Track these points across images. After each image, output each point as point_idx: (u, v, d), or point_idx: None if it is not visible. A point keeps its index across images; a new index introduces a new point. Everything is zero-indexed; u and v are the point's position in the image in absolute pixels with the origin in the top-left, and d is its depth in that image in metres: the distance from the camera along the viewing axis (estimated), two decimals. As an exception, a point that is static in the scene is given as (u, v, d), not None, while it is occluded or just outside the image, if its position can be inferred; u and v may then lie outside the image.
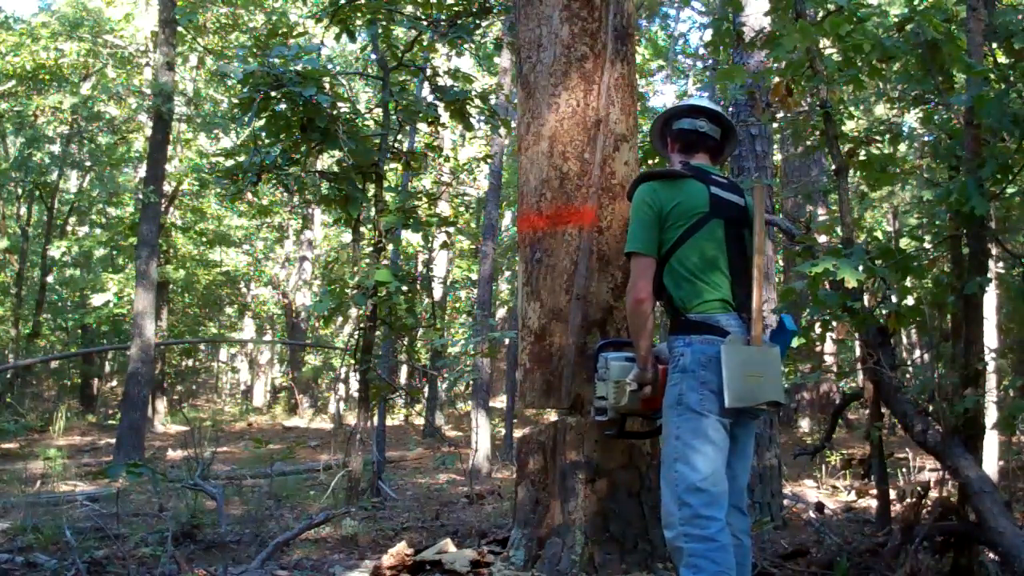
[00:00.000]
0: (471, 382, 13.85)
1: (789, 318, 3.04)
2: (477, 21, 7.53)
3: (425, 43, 7.81)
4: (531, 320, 3.78)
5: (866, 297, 4.10)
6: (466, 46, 8.87)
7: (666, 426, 2.85)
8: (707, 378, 2.75)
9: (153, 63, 14.12)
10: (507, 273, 22.65)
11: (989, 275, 4.29)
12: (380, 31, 7.36)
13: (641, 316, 2.88)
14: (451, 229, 13.97)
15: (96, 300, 16.80)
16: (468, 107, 7.40)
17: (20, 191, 18.64)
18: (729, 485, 2.81)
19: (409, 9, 7.70)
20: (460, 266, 22.12)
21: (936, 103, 4.66)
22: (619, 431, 3.27)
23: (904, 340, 16.17)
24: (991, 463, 7.34)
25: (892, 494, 5.05)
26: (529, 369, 3.76)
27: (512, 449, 11.38)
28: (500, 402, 17.78)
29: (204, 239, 19.40)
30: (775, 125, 6.49)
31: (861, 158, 4.68)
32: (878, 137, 4.94)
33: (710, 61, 13.79)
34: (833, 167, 4.43)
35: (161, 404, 17.34)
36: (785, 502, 7.05)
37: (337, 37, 7.45)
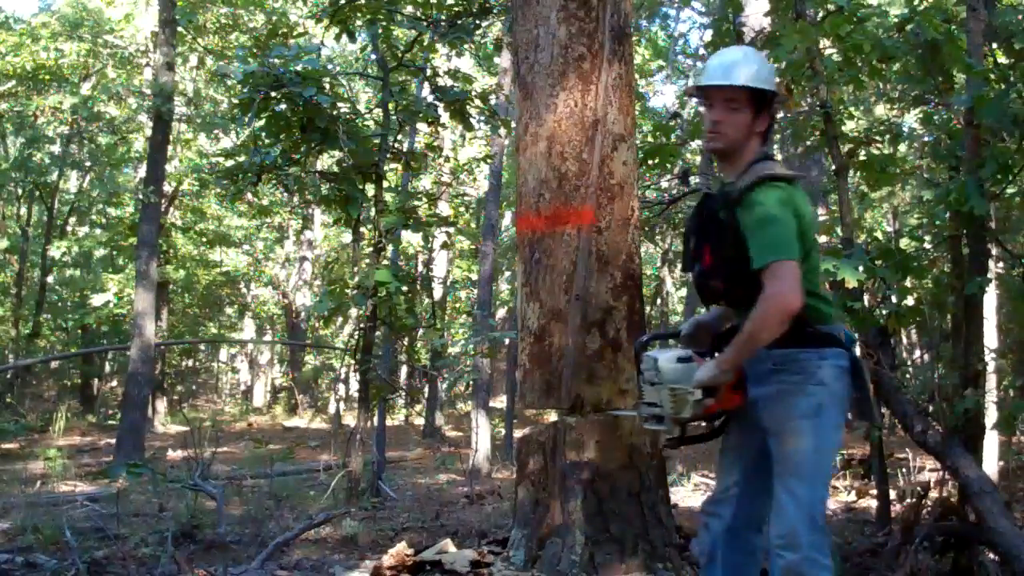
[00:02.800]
0: (471, 382, 13.85)
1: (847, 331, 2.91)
2: (477, 21, 7.53)
3: (425, 43, 7.81)
4: (530, 320, 3.77)
5: (866, 297, 4.10)
6: (466, 46, 8.87)
7: (797, 436, 2.56)
8: (842, 392, 2.59)
9: (153, 63, 14.12)
10: (507, 273, 22.65)
11: (989, 275, 4.29)
12: (380, 31, 7.36)
13: (783, 327, 2.50)
14: (451, 229, 13.98)
15: (96, 300, 16.80)
16: (468, 107, 7.40)
17: (20, 191, 18.65)
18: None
19: (409, 9, 7.69)
20: (460, 266, 22.11)
21: (936, 103, 4.66)
22: (680, 439, 2.85)
23: (904, 340, 16.17)
24: (991, 463, 7.33)
25: (892, 494, 5.05)
26: (529, 370, 3.76)
27: (512, 449, 11.38)
28: (500, 402, 17.78)
29: (204, 239, 19.40)
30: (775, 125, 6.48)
31: (861, 158, 4.68)
32: (878, 137, 4.95)
33: (710, 61, 13.77)
34: (833, 167, 4.43)
35: (161, 404, 17.33)
36: (785, 502, 7.03)
37: (337, 37, 7.46)
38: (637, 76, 18.12)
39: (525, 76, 3.93)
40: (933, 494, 4.25)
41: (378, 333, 7.32)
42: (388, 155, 7.33)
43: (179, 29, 12.74)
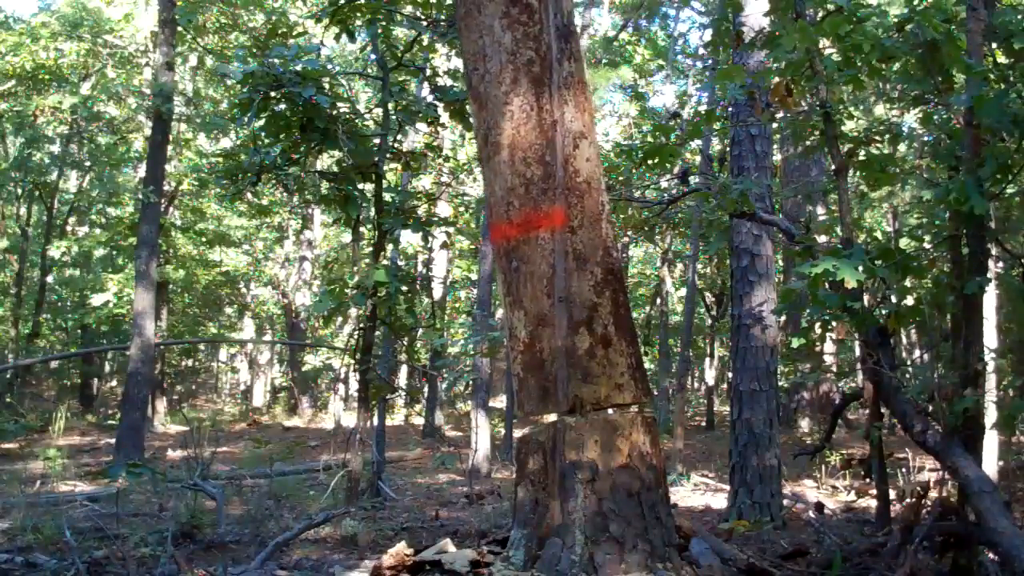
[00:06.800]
0: (471, 382, 13.85)
1: None
2: (477, 21, 7.51)
3: (425, 43, 7.80)
4: (518, 329, 3.77)
5: (866, 297, 4.10)
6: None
7: None
8: None
9: (153, 63, 14.12)
10: (507, 273, 22.61)
11: (989, 275, 4.29)
12: (380, 31, 7.36)
13: None
14: (451, 229, 13.98)
15: (96, 300, 16.81)
16: (468, 107, 7.39)
17: (20, 191, 18.65)
18: None
19: (409, 9, 7.69)
20: (460, 266, 22.12)
21: (936, 103, 4.66)
22: None
23: (904, 340, 16.18)
24: (991, 463, 7.34)
25: (892, 494, 5.05)
26: (523, 378, 3.76)
27: (512, 449, 11.38)
28: (500, 402, 17.78)
29: (204, 239, 19.41)
30: (775, 125, 6.49)
31: (861, 158, 4.68)
32: (878, 137, 4.94)
33: (710, 61, 13.79)
34: (833, 167, 4.43)
35: (161, 404, 17.34)
36: (785, 502, 7.06)
37: (337, 37, 7.45)
38: (637, 76, 18.14)
39: (477, 87, 3.92)
40: (933, 494, 4.25)
41: (378, 333, 7.31)
42: (388, 155, 7.33)
43: (179, 29, 12.73)
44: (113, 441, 11.59)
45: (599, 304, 3.69)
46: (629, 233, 17.08)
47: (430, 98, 7.75)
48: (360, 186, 7.02)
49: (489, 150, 3.88)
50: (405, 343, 11.52)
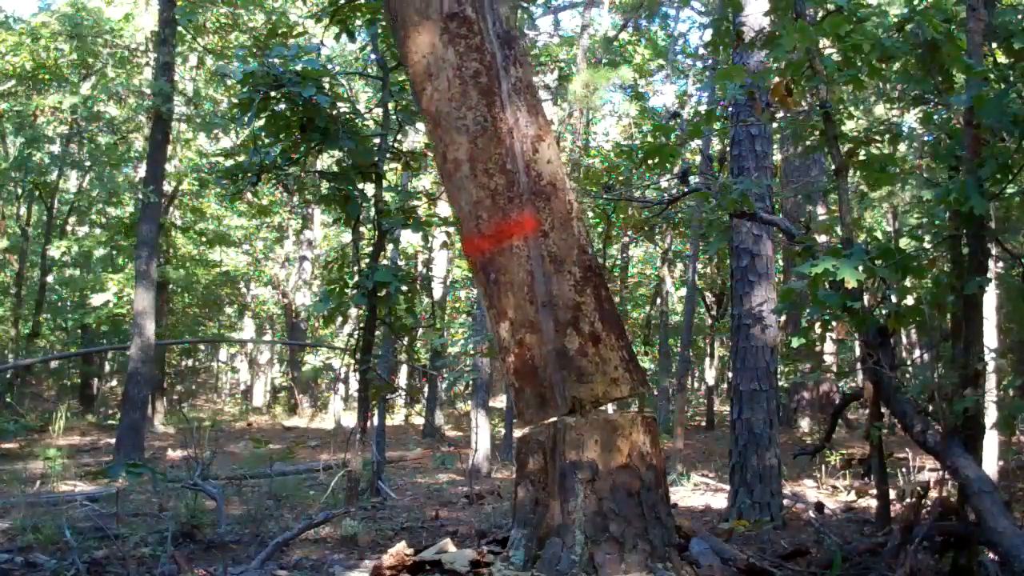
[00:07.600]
0: (471, 382, 13.85)
1: None
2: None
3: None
4: (505, 340, 3.78)
5: (866, 297, 4.10)
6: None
7: None
8: None
9: (153, 63, 14.12)
10: (507, 273, 22.58)
11: (989, 275, 4.29)
12: (380, 31, 7.36)
13: None
14: (451, 229, 13.98)
15: (96, 300, 16.80)
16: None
17: (20, 191, 18.65)
18: None
19: (409, 9, 7.69)
20: (460, 266, 22.10)
21: (936, 103, 4.66)
22: None
23: (904, 340, 16.18)
24: (991, 463, 7.34)
25: (892, 494, 5.05)
26: (519, 387, 3.76)
27: (512, 449, 11.38)
28: (500, 402, 17.79)
29: (204, 239, 19.40)
30: (775, 125, 6.49)
31: (861, 158, 4.68)
32: (878, 137, 4.94)
33: (710, 61, 13.80)
34: (833, 167, 4.43)
35: (161, 404, 17.34)
36: (785, 502, 7.05)
37: (337, 37, 7.46)
38: (636, 76, 18.13)
39: (428, 107, 3.92)
40: (933, 494, 4.25)
41: (378, 333, 7.32)
42: (388, 155, 7.34)
43: (179, 29, 12.73)
44: (113, 441, 11.59)
45: (582, 303, 3.70)
46: (629, 233, 17.10)
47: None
48: (360, 186, 7.02)
49: (449, 167, 3.88)
50: (405, 343, 11.53)
